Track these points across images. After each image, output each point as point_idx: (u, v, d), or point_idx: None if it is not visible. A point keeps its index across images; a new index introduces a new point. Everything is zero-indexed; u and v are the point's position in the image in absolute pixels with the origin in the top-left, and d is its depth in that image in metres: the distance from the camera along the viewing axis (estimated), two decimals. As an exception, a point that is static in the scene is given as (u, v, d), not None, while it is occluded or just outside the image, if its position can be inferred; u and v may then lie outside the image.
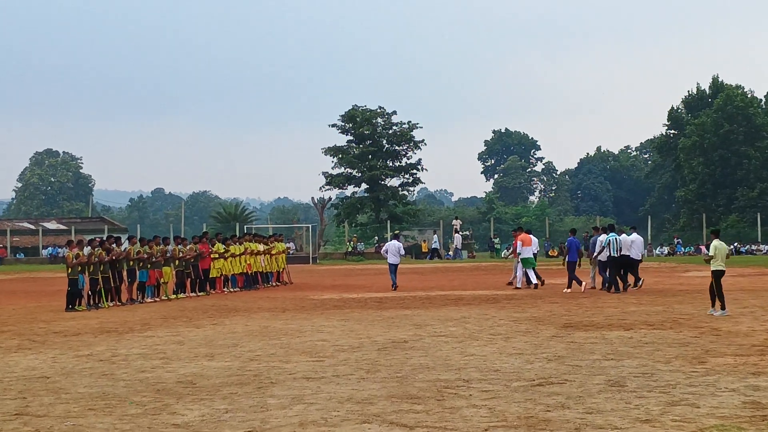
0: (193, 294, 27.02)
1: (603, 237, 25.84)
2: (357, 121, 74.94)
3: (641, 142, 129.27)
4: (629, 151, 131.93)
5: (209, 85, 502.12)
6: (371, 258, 59.41)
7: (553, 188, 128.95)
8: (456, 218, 72.50)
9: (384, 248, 31.18)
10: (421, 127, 78.00)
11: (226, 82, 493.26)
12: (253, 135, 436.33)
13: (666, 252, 62.16)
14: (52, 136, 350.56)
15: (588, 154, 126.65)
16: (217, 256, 28.14)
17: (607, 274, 25.71)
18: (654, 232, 66.20)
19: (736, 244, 60.57)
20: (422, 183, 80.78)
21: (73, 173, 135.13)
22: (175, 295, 26.21)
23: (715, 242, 18.48)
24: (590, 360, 11.97)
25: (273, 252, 31.88)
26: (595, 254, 26.06)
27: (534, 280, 27.39)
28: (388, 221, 69.15)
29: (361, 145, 75.52)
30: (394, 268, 28.89)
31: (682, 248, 63.21)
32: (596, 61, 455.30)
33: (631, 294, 24.34)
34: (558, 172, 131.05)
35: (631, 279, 25.99)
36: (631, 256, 25.71)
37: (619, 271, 25.35)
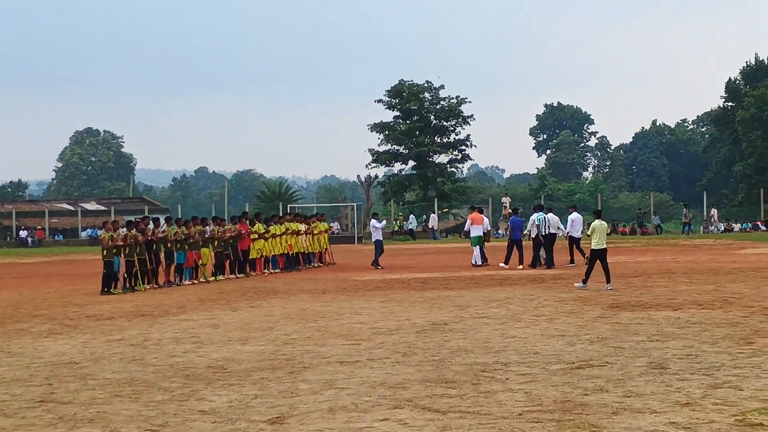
0: (233, 276, 26.62)
1: (534, 216, 27.76)
2: (404, 96, 74.00)
3: (698, 115, 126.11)
4: (686, 124, 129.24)
5: (253, 62, 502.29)
6: (419, 237, 58.94)
7: (608, 164, 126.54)
8: (505, 195, 71.61)
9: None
10: (469, 102, 76.47)
11: (269, 59, 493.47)
12: (298, 112, 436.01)
13: (722, 229, 60.23)
14: (93, 115, 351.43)
15: (643, 128, 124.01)
16: (257, 236, 27.73)
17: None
18: (710, 207, 64.49)
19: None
20: (471, 159, 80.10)
21: (114, 152, 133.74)
22: (214, 277, 25.84)
23: (596, 222, 19.84)
24: (634, 341, 11.61)
25: (315, 232, 31.57)
26: (526, 232, 28.77)
27: (478, 261, 28.87)
28: (436, 199, 68.44)
29: (408, 121, 74.59)
30: (375, 244, 30.62)
31: (723, 226, 61.30)
32: (651, 32, 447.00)
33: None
34: (612, 147, 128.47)
35: (578, 256, 27.26)
36: (572, 235, 27.82)
37: (544, 248, 27.18)
